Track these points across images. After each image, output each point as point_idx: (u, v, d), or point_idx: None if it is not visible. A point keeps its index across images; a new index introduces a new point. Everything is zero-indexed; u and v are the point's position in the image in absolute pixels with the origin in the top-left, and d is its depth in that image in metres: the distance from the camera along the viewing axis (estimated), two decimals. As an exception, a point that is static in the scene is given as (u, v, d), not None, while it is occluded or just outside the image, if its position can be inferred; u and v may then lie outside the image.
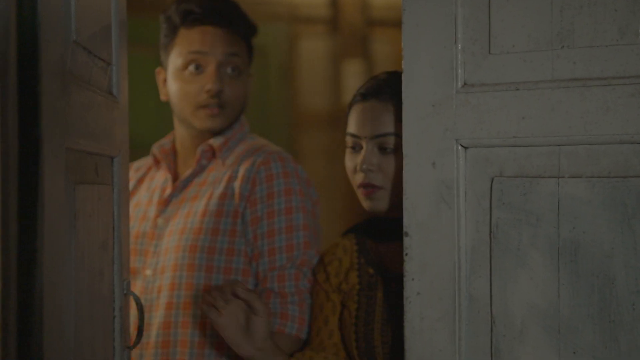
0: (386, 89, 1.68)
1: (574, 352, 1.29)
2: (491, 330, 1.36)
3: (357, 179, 1.68)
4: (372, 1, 4.84)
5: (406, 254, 1.45)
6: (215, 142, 1.97)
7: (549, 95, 1.31)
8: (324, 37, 4.90)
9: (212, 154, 1.99)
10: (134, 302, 1.53)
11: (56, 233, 0.98)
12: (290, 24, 4.84)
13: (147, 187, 2.08)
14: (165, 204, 1.98)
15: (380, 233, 1.78)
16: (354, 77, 4.76)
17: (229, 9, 2.04)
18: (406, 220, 1.44)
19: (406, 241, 1.45)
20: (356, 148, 1.69)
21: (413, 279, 1.44)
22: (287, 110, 4.91)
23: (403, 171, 1.44)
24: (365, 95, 1.70)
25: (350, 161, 1.71)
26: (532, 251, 1.32)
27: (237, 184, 1.90)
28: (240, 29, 2.02)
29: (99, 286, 1.32)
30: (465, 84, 1.39)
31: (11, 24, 0.88)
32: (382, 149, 1.66)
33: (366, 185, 1.66)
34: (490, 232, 1.36)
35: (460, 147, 1.39)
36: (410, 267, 1.44)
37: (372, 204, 1.68)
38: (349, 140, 1.71)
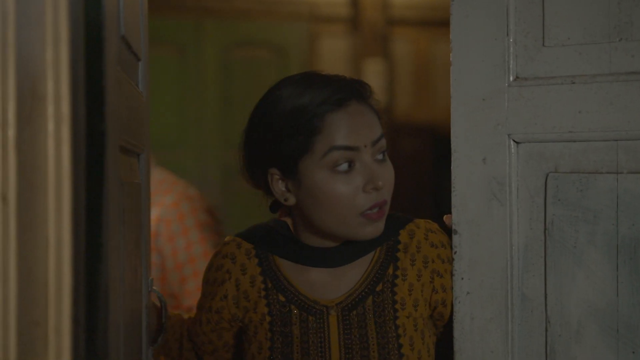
0: (358, 87, 1.43)
1: (633, 352, 1.25)
2: (546, 330, 1.33)
3: (365, 202, 1.36)
4: (392, 0, 4.81)
5: (455, 252, 1.41)
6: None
7: (607, 89, 1.27)
8: (345, 36, 4.88)
9: None
10: None
11: (114, 229, 0.96)
12: (310, 23, 4.82)
13: None
14: None
15: (289, 250, 1.46)
16: (374, 76, 4.73)
17: None
18: (455, 218, 1.41)
19: (455, 239, 1.41)
20: (349, 166, 1.36)
21: (462, 278, 1.40)
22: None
23: (452, 167, 1.41)
24: (344, 98, 1.38)
25: (348, 184, 1.35)
26: (590, 249, 1.28)
27: None
28: None
29: (134, 283, 1.29)
30: (517, 77, 1.35)
31: (80, 21, 0.86)
32: (378, 157, 1.39)
33: (382, 204, 1.38)
34: (545, 229, 1.32)
35: (512, 142, 1.35)
36: (460, 266, 1.40)
37: (379, 228, 1.39)
38: (341, 157, 1.35)
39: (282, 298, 1.43)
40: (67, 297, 0.83)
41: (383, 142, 1.41)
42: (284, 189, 1.42)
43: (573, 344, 1.30)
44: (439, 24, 4.61)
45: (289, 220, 1.48)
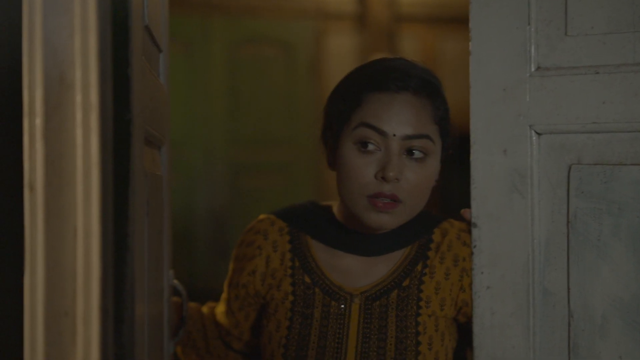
0: (427, 84, 1.44)
1: (659, 347, 1.23)
2: (569, 324, 1.31)
3: (373, 187, 1.37)
4: (399, -3, 4.80)
5: (475, 246, 1.39)
6: None
7: (631, 79, 1.25)
8: (352, 34, 4.86)
9: None
10: None
11: (140, 220, 0.95)
12: (317, 20, 4.80)
13: None
14: None
15: (324, 232, 1.46)
16: (381, 74, 4.70)
17: None
18: (475, 211, 1.39)
19: (475, 232, 1.39)
20: (372, 147, 1.38)
21: (482, 272, 1.39)
22: (315, 106, 4.86)
23: (471, 159, 1.39)
24: (401, 86, 1.40)
25: (365, 164, 1.38)
26: (614, 242, 1.27)
27: None
28: None
29: (157, 275, 1.28)
30: (539, 67, 1.33)
31: (107, 9, 0.85)
32: (410, 154, 1.40)
33: (391, 197, 1.37)
34: (568, 222, 1.31)
35: (534, 134, 1.34)
36: (480, 260, 1.39)
37: (384, 221, 1.39)
38: (366, 135, 1.38)
39: (307, 279, 1.44)
40: (95, 287, 0.82)
41: (422, 142, 1.41)
42: (329, 154, 1.48)
43: (597, 338, 1.29)
44: (446, 20, 4.60)
45: (335, 204, 1.50)
